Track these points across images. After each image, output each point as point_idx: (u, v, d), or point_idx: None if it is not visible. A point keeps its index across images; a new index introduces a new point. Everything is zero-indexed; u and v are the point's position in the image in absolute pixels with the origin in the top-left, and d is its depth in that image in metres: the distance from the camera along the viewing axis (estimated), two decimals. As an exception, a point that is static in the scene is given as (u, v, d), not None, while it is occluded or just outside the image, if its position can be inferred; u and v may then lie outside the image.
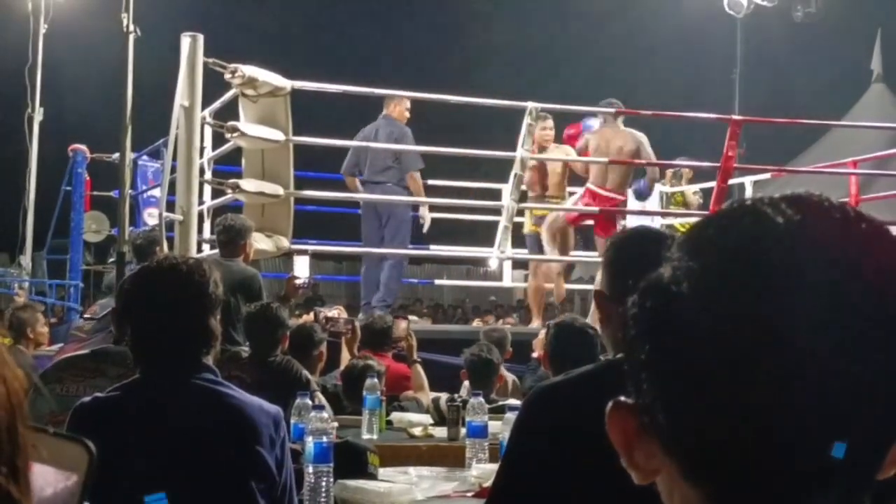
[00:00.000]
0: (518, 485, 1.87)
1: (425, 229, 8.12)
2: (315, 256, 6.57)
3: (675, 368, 0.66)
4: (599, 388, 1.72)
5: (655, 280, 0.68)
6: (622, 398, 0.71)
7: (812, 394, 0.63)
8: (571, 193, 8.12)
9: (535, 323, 7.86)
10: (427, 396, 5.22)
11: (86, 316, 5.57)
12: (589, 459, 1.78)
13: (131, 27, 5.93)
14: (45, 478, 0.79)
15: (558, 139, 8.13)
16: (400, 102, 7.78)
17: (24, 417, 0.75)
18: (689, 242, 0.69)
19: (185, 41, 6.05)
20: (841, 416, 0.63)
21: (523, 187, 7.73)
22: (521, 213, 8.14)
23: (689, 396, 0.65)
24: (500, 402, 4.51)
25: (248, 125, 6.24)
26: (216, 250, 6.02)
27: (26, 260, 11.98)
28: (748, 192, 9.24)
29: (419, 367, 5.43)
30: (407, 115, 7.83)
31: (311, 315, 6.05)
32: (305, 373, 4.48)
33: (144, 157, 9.35)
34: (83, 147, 10.36)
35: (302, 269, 5.88)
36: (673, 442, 0.68)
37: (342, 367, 5.18)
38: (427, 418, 4.52)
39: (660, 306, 0.67)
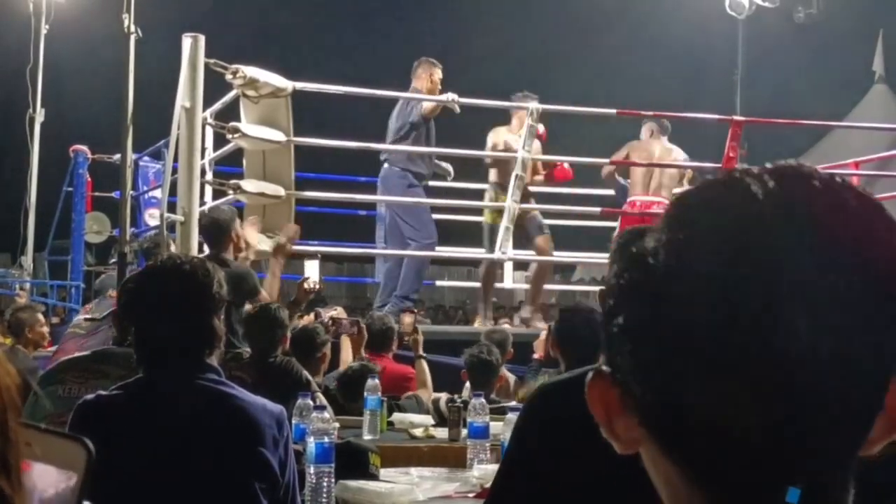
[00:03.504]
0: (517, 483, 1.87)
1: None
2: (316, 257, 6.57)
3: (650, 340, 0.65)
4: None
5: (637, 252, 0.68)
6: (603, 367, 0.70)
7: (790, 370, 0.61)
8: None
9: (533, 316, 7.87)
10: (429, 393, 5.22)
11: (85, 316, 5.56)
12: (589, 460, 1.78)
13: (132, 28, 5.92)
14: (47, 478, 0.79)
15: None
16: (426, 73, 7.50)
17: (16, 413, 0.75)
18: (671, 215, 0.68)
19: (187, 42, 6.05)
20: (821, 392, 0.62)
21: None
22: (470, 211, 8.18)
23: (664, 370, 0.64)
24: (501, 403, 4.50)
25: (249, 126, 6.24)
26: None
27: (27, 261, 11.97)
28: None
29: (424, 364, 5.43)
30: (435, 87, 7.48)
31: (312, 316, 6.03)
32: (305, 373, 4.48)
33: (146, 158, 9.34)
34: (84, 148, 10.37)
35: (312, 272, 5.85)
36: (648, 415, 0.67)
37: (342, 367, 5.17)
38: (428, 419, 4.52)
39: (638, 277, 0.67)
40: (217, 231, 5.47)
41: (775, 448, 0.63)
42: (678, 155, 7.79)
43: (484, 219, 7.90)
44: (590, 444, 1.85)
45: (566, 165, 7.74)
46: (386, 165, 7.51)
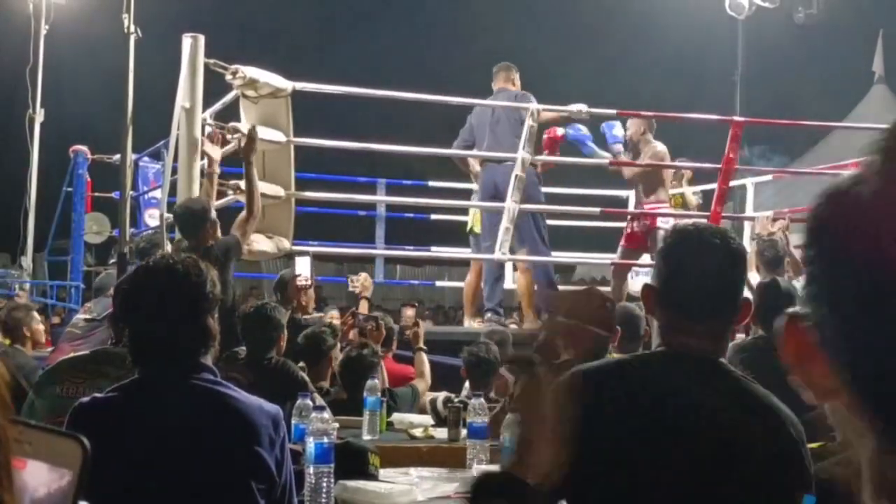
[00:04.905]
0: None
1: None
2: (316, 258, 6.56)
3: (849, 285, 0.59)
4: (634, 379, 1.70)
5: (836, 186, 0.62)
6: (798, 310, 0.64)
7: None
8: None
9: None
10: (426, 384, 5.25)
11: (84, 316, 5.55)
12: (626, 441, 1.80)
13: (132, 28, 5.93)
14: (39, 477, 0.78)
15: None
16: (511, 76, 7.60)
17: (5, 411, 0.74)
18: (887, 139, 0.60)
19: (186, 42, 6.05)
20: None
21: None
22: (466, 211, 8.18)
23: (863, 317, 0.58)
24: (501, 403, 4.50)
25: (248, 126, 6.23)
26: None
27: (27, 261, 11.97)
28: (749, 194, 9.24)
29: (423, 356, 5.44)
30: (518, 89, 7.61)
31: (350, 317, 5.97)
32: (302, 374, 4.48)
33: (145, 159, 9.34)
34: (84, 148, 10.36)
35: (303, 269, 5.87)
36: (845, 366, 0.61)
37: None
38: (428, 419, 4.52)
39: (839, 208, 0.61)
40: (193, 220, 5.42)
41: None
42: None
43: (473, 227, 8.02)
44: (626, 425, 1.88)
45: (559, 132, 7.73)
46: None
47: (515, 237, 7.35)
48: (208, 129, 6.12)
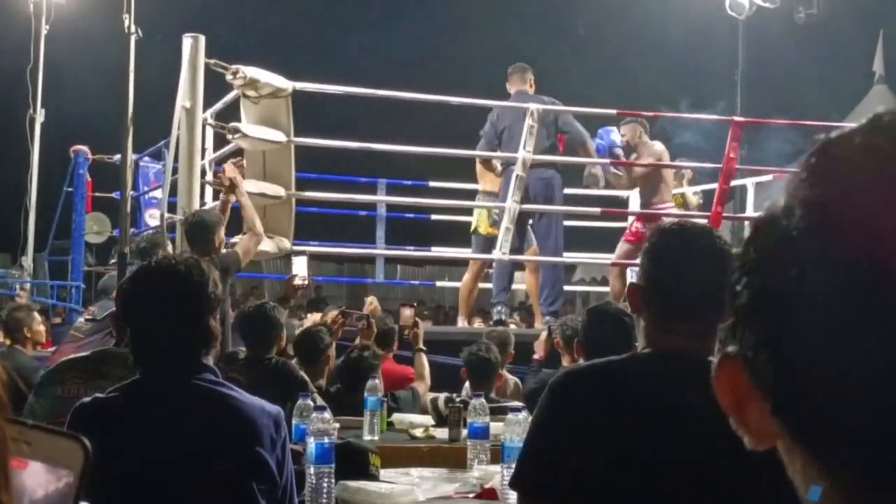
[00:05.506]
0: (544, 463, 1.87)
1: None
2: (316, 258, 6.57)
3: (783, 308, 0.56)
4: (623, 379, 1.69)
5: (769, 214, 0.59)
6: (730, 348, 0.60)
7: None
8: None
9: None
10: (426, 385, 5.24)
11: (86, 317, 5.55)
12: (613, 444, 1.80)
13: (133, 28, 5.92)
14: (37, 479, 0.78)
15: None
16: (528, 78, 7.61)
17: (3, 410, 0.74)
18: (815, 165, 0.57)
19: (187, 42, 6.06)
20: None
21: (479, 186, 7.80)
22: (470, 212, 8.21)
23: (799, 343, 0.55)
24: (501, 403, 4.50)
25: (249, 126, 6.23)
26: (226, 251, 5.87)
27: (28, 261, 11.97)
28: (750, 194, 9.23)
29: (423, 357, 5.44)
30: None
31: (340, 315, 5.97)
32: (302, 374, 4.47)
33: (146, 159, 9.34)
34: (84, 148, 10.36)
35: (300, 269, 5.88)
36: (778, 400, 0.57)
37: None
38: (428, 419, 4.51)
39: (769, 240, 0.58)
40: (203, 232, 5.40)
41: None
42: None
43: (478, 227, 8.00)
44: (617, 426, 1.87)
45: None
46: (553, 171, 7.51)
47: (521, 238, 7.37)
48: (230, 161, 6.02)
